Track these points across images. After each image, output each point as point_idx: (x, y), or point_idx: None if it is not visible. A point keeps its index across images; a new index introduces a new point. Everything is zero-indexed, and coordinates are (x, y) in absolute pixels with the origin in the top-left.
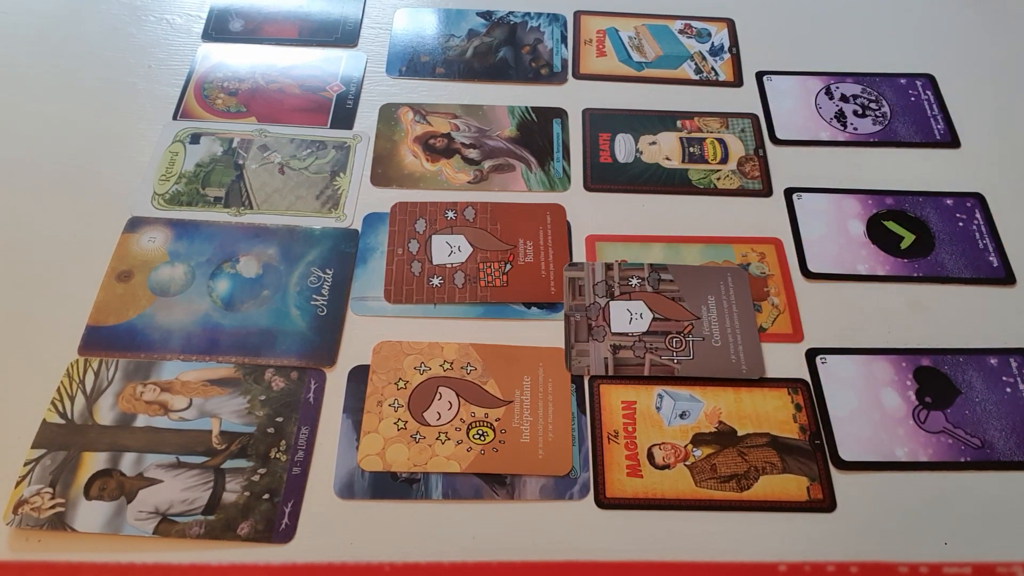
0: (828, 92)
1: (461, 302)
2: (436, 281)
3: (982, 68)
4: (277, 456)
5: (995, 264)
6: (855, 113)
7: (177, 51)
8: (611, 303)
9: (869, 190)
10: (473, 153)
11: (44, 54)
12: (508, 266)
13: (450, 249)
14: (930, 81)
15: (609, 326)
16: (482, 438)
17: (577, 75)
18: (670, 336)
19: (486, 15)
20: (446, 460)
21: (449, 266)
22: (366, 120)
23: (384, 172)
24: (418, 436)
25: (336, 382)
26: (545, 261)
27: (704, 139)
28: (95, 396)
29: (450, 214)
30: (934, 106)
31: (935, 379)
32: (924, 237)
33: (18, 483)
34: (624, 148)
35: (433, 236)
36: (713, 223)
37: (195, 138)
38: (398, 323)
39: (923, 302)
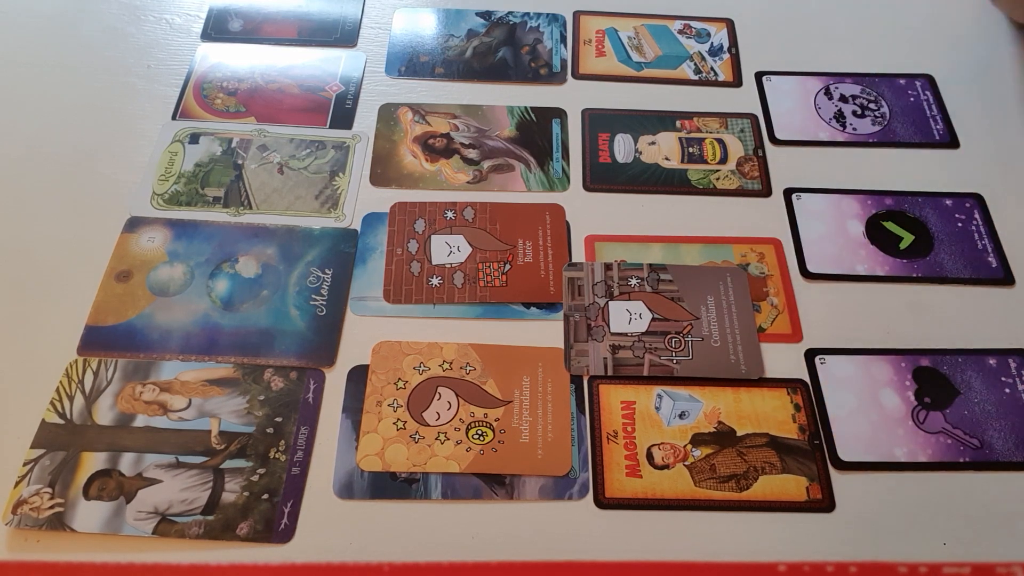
0: (827, 92)
1: (460, 302)
2: (435, 281)
3: (982, 68)
4: (276, 456)
5: (994, 264)
6: (854, 113)
7: (176, 51)
8: (610, 303)
9: (868, 190)
10: (472, 153)
11: (43, 54)
12: (507, 266)
13: (449, 249)
14: (929, 81)
15: (608, 326)
16: (481, 438)
17: (576, 75)
18: (669, 336)
19: (485, 15)
20: (445, 460)
21: (448, 266)
22: (365, 120)
23: (383, 172)
24: (417, 436)
25: (335, 382)
26: (544, 261)
27: (703, 139)
28: (94, 396)
29: (449, 214)
30: (933, 106)
31: (934, 379)
32: (923, 237)
33: (17, 483)
34: (623, 148)
35: (432, 236)
36: (712, 223)
37: (194, 138)
38: (397, 323)
39: (922, 302)
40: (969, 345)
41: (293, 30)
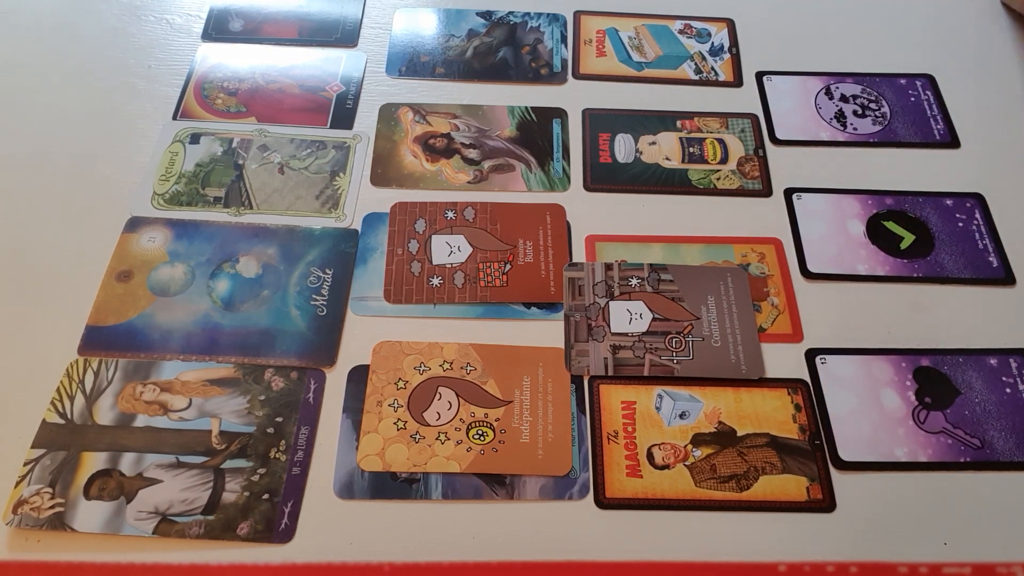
0: (828, 92)
1: (461, 302)
2: (436, 281)
3: (982, 68)
4: (277, 456)
5: (995, 264)
6: (855, 113)
7: (177, 51)
8: (611, 303)
9: (869, 190)
10: (473, 153)
11: (44, 54)
12: (508, 266)
13: (450, 249)
14: (930, 81)
15: (609, 326)
16: (482, 438)
17: (577, 75)
18: (670, 336)
19: (486, 15)
20: (446, 460)
21: (449, 266)
22: (366, 120)
23: (384, 172)
24: (418, 436)
25: (336, 382)
26: (545, 261)
27: (704, 139)
28: (95, 396)
29: (450, 214)
30: (934, 106)
31: (935, 379)
32: (924, 237)
33: (18, 483)
34: (624, 148)
35: (433, 236)
36: (713, 223)
37: (195, 138)
38: (398, 323)
39: (923, 302)
40: (970, 345)
41: (294, 30)
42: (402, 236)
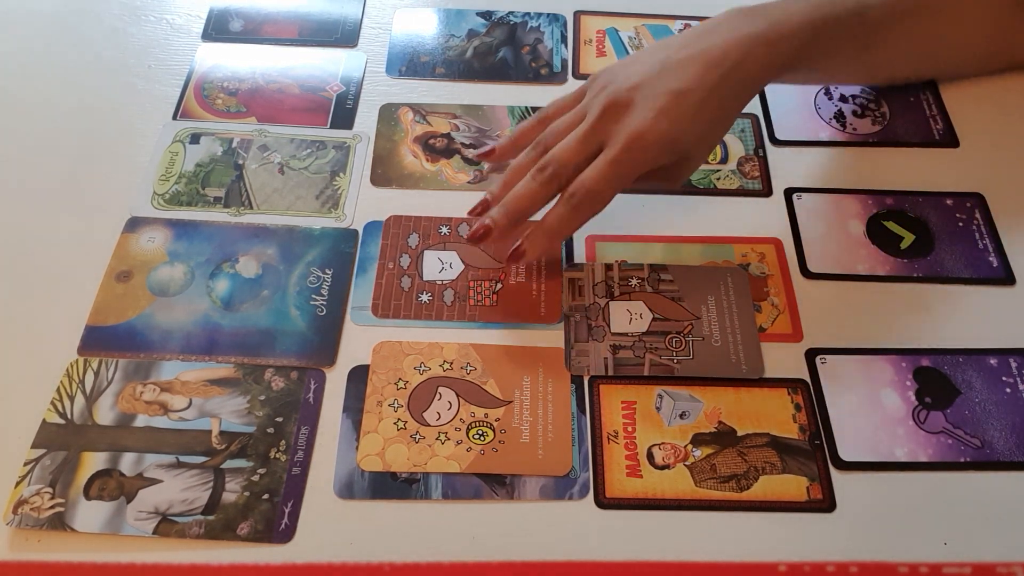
0: (827, 92)
1: (449, 320)
2: (425, 297)
3: None
4: (277, 456)
5: (995, 264)
6: (854, 113)
7: (177, 51)
8: (611, 303)
9: (869, 190)
10: (473, 153)
11: (44, 54)
12: (499, 284)
13: (441, 265)
14: (928, 80)
15: (609, 326)
16: (482, 438)
17: (577, 75)
18: (670, 336)
19: (486, 15)
20: (446, 460)
21: (439, 283)
22: (366, 120)
23: (384, 172)
24: (418, 436)
25: (336, 382)
26: (537, 281)
27: None
28: (95, 396)
29: (444, 229)
30: (933, 106)
31: (935, 379)
32: (924, 237)
33: (18, 483)
34: None
35: (425, 251)
36: (713, 223)
37: (195, 138)
38: (398, 322)
39: (923, 302)
40: (970, 345)
41: (294, 30)
42: (394, 250)
